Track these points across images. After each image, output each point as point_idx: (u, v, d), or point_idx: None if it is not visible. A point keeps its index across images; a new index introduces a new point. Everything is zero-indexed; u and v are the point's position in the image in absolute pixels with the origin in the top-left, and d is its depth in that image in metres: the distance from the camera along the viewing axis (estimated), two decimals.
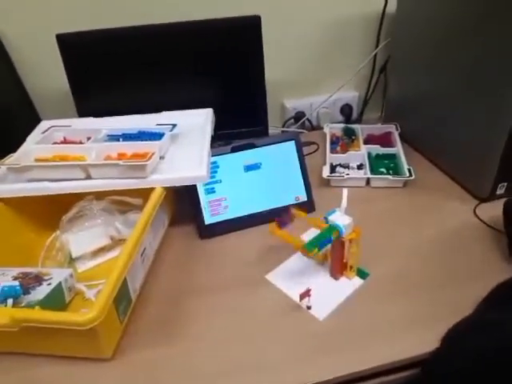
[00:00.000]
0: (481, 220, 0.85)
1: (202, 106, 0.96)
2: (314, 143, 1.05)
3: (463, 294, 0.68)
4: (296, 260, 0.78)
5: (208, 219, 0.85)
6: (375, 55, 1.19)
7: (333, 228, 0.68)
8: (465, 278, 0.73)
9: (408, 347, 0.62)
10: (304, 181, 0.89)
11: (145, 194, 0.75)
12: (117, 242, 0.80)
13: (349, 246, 0.71)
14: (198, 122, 0.92)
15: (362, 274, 0.75)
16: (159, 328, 0.68)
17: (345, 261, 0.73)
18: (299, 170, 0.89)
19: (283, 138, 0.89)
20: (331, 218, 0.69)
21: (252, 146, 0.88)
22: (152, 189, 0.75)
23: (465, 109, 0.88)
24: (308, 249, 0.65)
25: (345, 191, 0.71)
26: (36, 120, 0.96)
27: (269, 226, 0.76)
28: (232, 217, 0.86)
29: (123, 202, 0.79)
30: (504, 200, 0.80)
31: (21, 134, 0.90)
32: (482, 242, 0.80)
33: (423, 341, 0.62)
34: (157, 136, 0.83)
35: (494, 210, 0.84)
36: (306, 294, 0.68)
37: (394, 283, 0.73)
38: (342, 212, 0.71)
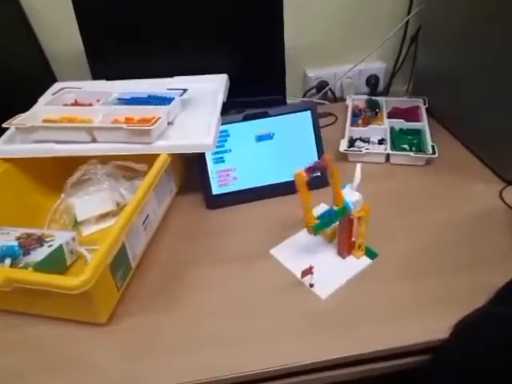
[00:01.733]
0: (506, 204, 0.79)
1: (217, 72, 0.92)
2: (331, 114, 1.00)
3: (478, 282, 0.64)
4: (303, 236, 0.74)
5: (216, 189, 0.82)
6: (406, 23, 1.10)
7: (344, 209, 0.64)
8: (482, 265, 0.68)
9: (412, 333, 0.59)
10: (318, 154, 0.85)
11: (150, 160, 0.73)
12: (122, 208, 0.78)
13: (357, 224, 0.67)
14: (211, 87, 0.88)
15: (370, 254, 0.71)
16: (158, 296, 0.67)
17: (353, 239, 0.69)
18: (314, 143, 0.85)
19: (298, 107, 0.85)
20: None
21: (265, 115, 0.84)
22: (157, 155, 0.73)
23: (500, 86, 0.81)
24: (316, 230, 0.62)
25: (358, 166, 0.67)
26: (53, 82, 0.96)
27: (295, 175, 0.64)
28: (240, 188, 0.83)
29: (129, 168, 0.78)
30: None
31: (38, 96, 0.89)
32: (506, 228, 0.74)
33: (428, 328, 0.59)
34: (166, 101, 0.80)
35: None
36: (308, 271, 0.65)
37: (404, 266, 0.69)
38: (353, 188, 0.67)
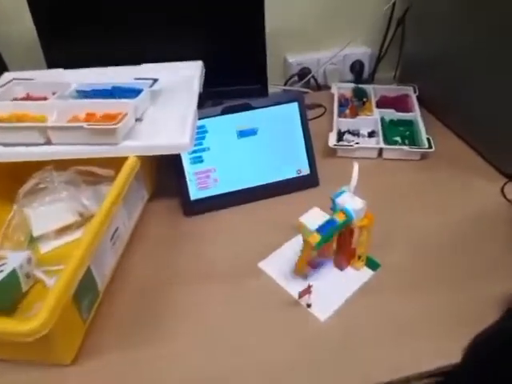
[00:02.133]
0: (510, 201, 0.73)
1: (191, 59, 0.81)
2: (320, 105, 0.91)
3: (490, 291, 0.59)
4: (294, 244, 0.66)
5: (194, 194, 0.73)
6: (393, 5, 1.02)
7: (338, 211, 0.56)
8: (492, 271, 0.62)
9: (423, 358, 0.53)
10: (307, 151, 0.76)
11: (117, 163, 0.63)
12: (87, 219, 0.68)
13: (358, 234, 0.59)
14: (185, 76, 0.78)
15: (372, 265, 0.64)
16: (132, 326, 0.57)
17: (353, 246, 0.62)
18: (302, 138, 0.76)
19: (284, 98, 0.76)
20: (339, 200, 0.57)
21: (247, 108, 0.74)
22: (125, 158, 0.62)
23: (498, 72, 0.75)
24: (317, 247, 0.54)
25: (355, 166, 0.59)
26: (3, 72, 0.82)
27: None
28: (222, 191, 0.74)
29: (92, 173, 0.67)
30: None
31: None
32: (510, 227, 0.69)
33: (441, 350, 0.52)
34: (134, 93, 0.69)
35: None
36: (306, 291, 0.57)
37: (408, 276, 0.62)
38: (351, 191, 0.59)
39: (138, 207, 0.70)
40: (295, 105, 0.75)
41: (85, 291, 0.53)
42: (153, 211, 0.74)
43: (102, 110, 0.66)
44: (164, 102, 0.73)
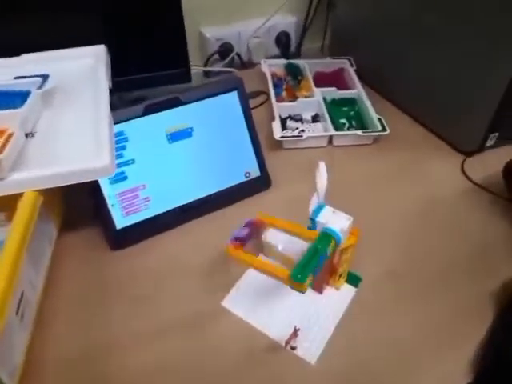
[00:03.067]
0: (471, 181, 0.68)
1: (88, 43, 0.62)
2: (262, 92, 0.77)
3: (481, 291, 0.53)
4: (254, 272, 0.54)
5: (120, 221, 0.56)
6: None
7: (327, 236, 0.44)
8: (476, 267, 0.56)
9: None
10: (254, 149, 0.63)
11: (8, 202, 0.44)
12: None
13: (342, 253, 0.49)
14: (85, 67, 0.59)
15: (353, 280, 0.54)
16: None
17: (336, 267, 0.51)
18: (247, 134, 0.63)
19: (220, 88, 0.61)
20: (321, 219, 0.45)
21: (176, 104, 0.58)
22: (19, 194, 0.44)
23: (448, 40, 0.68)
24: (299, 279, 0.41)
25: (322, 167, 0.47)
26: None
27: (226, 251, 0.49)
28: (156, 212, 0.58)
29: None
30: (505, 163, 0.64)
31: None
32: (483, 210, 0.64)
33: (447, 374, 0.45)
34: (17, 98, 0.49)
35: (485, 167, 0.69)
36: (293, 336, 0.46)
37: (394, 287, 0.54)
38: (320, 198, 0.47)
39: (46, 253, 0.52)
40: (234, 94, 0.61)
41: None
42: (67, 251, 0.56)
43: None
44: (61, 106, 0.54)
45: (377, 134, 0.72)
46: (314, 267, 0.41)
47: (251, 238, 0.52)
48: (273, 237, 0.53)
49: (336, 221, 0.45)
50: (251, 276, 0.54)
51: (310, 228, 0.47)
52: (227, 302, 0.51)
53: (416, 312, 0.51)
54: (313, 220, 0.46)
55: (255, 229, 0.52)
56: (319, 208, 0.46)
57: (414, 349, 0.48)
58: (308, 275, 0.41)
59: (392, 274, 0.55)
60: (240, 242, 0.49)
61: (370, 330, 0.49)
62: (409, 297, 0.53)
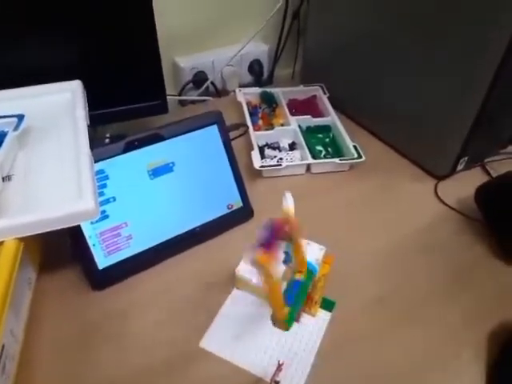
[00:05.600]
0: (449, 206, 0.70)
1: (62, 78, 0.61)
2: (243, 125, 0.78)
3: (465, 310, 0.55)
4: (230, 307, 0.54)
5: (102, 261, 0.55)
6: None
7: (311, 273, 0.45)
8: (451, 286, 0.58)
9: None
10: (236, 181, 0.63)
11: None
12: None
13: (317, 281, 0.49)
14: (60, 104, 0.58)
15: (326, 305, 0.54)
16: None
17: (311, 296, 0.51)
18: (228, 166, 0.63)
19: (200, 122, 0.61)
20: None
21: (156, 139, 0.58)
22: None
23: (419, 65, 0.70)
24: (290, 325, 0.41)
25: (288, 197, 0.46)
26: None
27: (255, 256, 0.43)
28: (139, 250, 0.57)
29: None
30: (476, 187, 0.67)
31: None
32: (460, 234, 0.66)
33: None
34: None
35: (457, 190, 0.72)
36: (277, 371, 0.46)
37: (374, 312, 0.54)
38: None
39: (26, 299, 0.50)
40: (214, 128, 0.61)
41: None
42: (47, 294, 0.54)
43: None
44: (38, 145, 0.52)
45: (353, 161, 0.74)
46: (301, 305, 0.42)
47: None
48: (246, 270, 0.54)
49: (310, 252, 0.46)
50: (227, 311, 0.54)
51: (284, 261, 0.47)
52: (205, 342, 0.50)
53: (400, 337, 0.52)
54: (287, 253, 0.46)
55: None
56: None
57: (400, 373, 0.49)
58: (295, 317, 0.41)
59: (372, 299, 0.56)
60: (267, 248, 0.43)
61: (349, 353, 0.50)
62: (390, 322, 0.53)
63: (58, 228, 0.43)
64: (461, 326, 0.53)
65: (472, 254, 0.63)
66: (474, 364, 0.50)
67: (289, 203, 0.46)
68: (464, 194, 0.70)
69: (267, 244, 0.39)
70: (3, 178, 0.46)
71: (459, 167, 0.74)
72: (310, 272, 0.45)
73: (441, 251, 0.63)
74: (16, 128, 0.49)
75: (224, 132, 0.62)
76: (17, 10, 0.58)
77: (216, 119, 0.61)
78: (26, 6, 0.58)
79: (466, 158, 0.73)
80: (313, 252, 0.46)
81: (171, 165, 0.59)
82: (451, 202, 0.71)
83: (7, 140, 0.47)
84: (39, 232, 0.43)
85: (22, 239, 0.44)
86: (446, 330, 0.53)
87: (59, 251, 0.57)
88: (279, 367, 0.46)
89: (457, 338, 0.52)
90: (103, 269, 0.55)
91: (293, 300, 0.43)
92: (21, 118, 0.51)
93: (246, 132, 0.77)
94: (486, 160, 0.78)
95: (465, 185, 0.70)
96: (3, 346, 0.42)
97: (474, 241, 0.65)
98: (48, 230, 0.43)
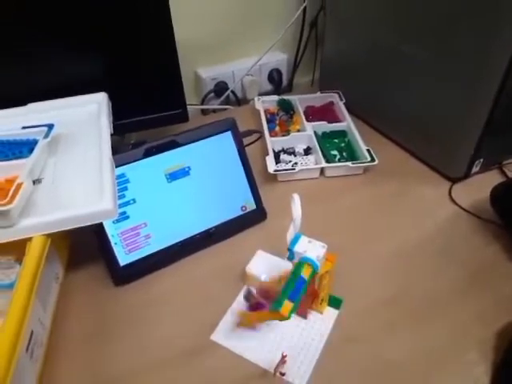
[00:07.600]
0: (463, 209, 0.70)
1: (89, 90, 0.66)
2: (257, 131, 0.81)
3: (475, 313, 0.55)
4: (240, 304, 0.57)
5: (123, 258, 0.59)
6: (305, 8, 0.96)
7: (302, 263, 0.47)
8: (467, 288, 0.59)
9: None
10: (250, 184, 0.66)
11: (17, 246, 0.47)
12: None
13: (321, 278, 0.51)
14: (87, 115, 0.63)
15: (334, 303, 0.56)
16: None
17: (317, 292, 0.53)
18: (242, 170, 0.66)
19: (215, 129, 0.65)
20: (297, 248, 0.48)
21: (173, 146, 0.62)
22: (28, 239, 0.47)
23: (431, 70, 0.71)
24: (274, 308, 0.43)
25: (296, 199, 0.48)
26: None
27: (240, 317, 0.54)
28: (157, 249, 0.61)
29: None
30: (492, 188, 0.67)
31: None
32: (475, 236, 0.66)
33: None
34: (25, 147, 0.53)
35: (472, 192, 0.72)
36: (281, 363, 0.48)
37: (386, 313, 0.56)
38: (297, 229, 0.49)
39: (53, 292, 0.55)
40: (228, 134, 0.65)
41: None
42: (73, 288, 0.59)
43: None
44: (66, 153, 0.58)
45: (366, 164, 0.75)
46: (290, 293, 0.44)
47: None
48: (256, 268, 0.57)
49: (312, 249, 0.48)
50: (236, 308, 0.56)
51: (289, 258, 0.49)
52: (216, 336, 0.53)
53: (408, 337, 0.53)
54: (290, 250, 0.48)
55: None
56: (296, 238, 0.49)
57: (405, 373, 0.50)
58: (283, 302, 0.43)
59: (383, 299, 0.57)
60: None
61: (355, 351, 0.52)
62: (401, 322, 0.55)
63: (80, 226, 0.48)
64: (474, 325, 0.54)
65: (487, 255, 0.63)
66: (483, 364, 0.50)
67: (296, 204, 0.48)
68: (479, 197, 0.71)
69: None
70: (34, 181, 0.51)
71: (474, 169, 0.74)
72: (300, 265, 0.47)
73: (455, 253, 0.63)
74: (46, 136, 0.54)
75: (238, 138, 0.65)
76: (56, 35, 0.64)
77: (230, 126, 0.65)
78: (63, 28, 0.64)
79: (482, 160, 0.73)
80: (315, 249, 0.48)
81: (187, 169, 0.63)
82: (466, 204, 0.71)
83: (38, 147, 0.52)
84: (63, 229, 0.47)
85: (49, 236, 0.48)
86: (460, 330, 0.53)
87: (85, 250, 0.62)
88: (283, 359, 0.48)
89: (470, 338, 0.52)
90: (124, 266, 0.59)
91: (294, 296, 0.45)
92: (51, 127, 0.56)
93: (261, 137, 0.80)
94: (504, 162, 0.78)
95: (480, 187, 0.71)
96: (32, 332, 0.46)
97: (488, 242, 0.65)
98: (71, 227, 0.47)
